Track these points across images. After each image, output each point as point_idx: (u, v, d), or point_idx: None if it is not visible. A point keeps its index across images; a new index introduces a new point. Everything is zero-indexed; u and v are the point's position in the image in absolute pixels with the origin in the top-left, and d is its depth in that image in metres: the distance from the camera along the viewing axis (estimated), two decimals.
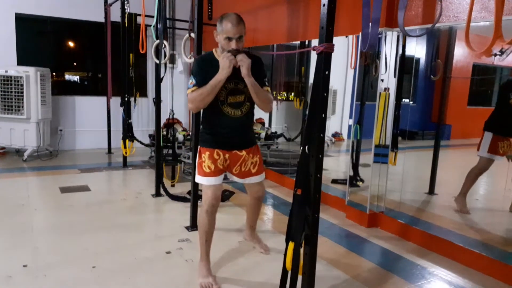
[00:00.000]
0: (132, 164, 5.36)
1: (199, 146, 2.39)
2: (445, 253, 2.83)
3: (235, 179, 2.49)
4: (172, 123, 4.65)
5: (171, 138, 4.60)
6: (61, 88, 6.24)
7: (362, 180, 4.09)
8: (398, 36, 3.22)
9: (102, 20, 5.81)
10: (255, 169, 2.44)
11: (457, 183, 3.64)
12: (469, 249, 2.72)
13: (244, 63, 2.08)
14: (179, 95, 6.44)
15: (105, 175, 4.87)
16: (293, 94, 6.04)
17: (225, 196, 3.83)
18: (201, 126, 2.41)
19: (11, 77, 5.20)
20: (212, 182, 2.30)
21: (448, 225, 3.41)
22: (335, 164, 5.87)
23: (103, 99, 6.08)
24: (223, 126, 2.30)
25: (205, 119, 2.36)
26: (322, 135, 1.76)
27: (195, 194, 3.10)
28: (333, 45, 1.69)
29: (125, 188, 4.43)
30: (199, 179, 2.36)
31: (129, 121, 5.05)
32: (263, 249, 2.78)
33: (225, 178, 2.47)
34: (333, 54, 1.71)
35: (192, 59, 3.10)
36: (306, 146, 1.78)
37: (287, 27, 4.33)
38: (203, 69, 2.21)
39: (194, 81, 2.20)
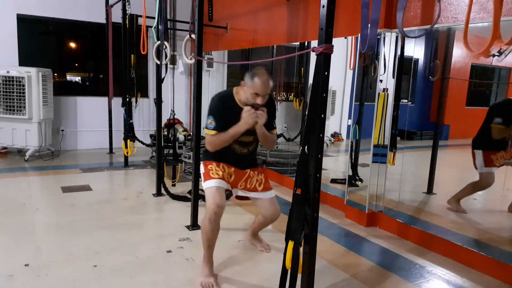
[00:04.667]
0: (133, 164, 5.38)
1: (202, 162, 2.47)
2: (444, 252, 2.85)
3: (241, 192, 2.52)
4: (173, 123, 4.67)
5: (172, 138, 4.62)
6: (62, 89, 6.26)
7: (361, 180, 4.11)
8: (396, 37, 3.24)
9: (104, 21, 5.83)
10: (261, 186, 2.51)
11: (456, 183, 3.66)
12: (468, 248, 2.74)
13: (261, 120, 2.23)
14: (179, 95, 6.50)
15: (107, 175, 4.90)
16: (292, 94, 6.07)
17: (225, 196, 3.84)
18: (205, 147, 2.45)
19: (13, 77, 5.22)
20: (215, 184, 2.34)
21: (447, 225, 3.43)
22: (334, 164, 5.89)
23: (104, 100, 6.10)
24: (227, 157, 2.42)
25: None
26: (321, 135, 1.78)
27: (195, 194, 3.12)
28: (333, 46, 1.70)
29: (126, 188, 4.45)
30: (206, 184, 2.38)
31: (130, 121, 5.08)
32: (264, 248, 2.81)
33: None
34: (332, 55, 1.72)
35: (193, 60, 3.12)
36: (306, 146, 1.80)
37: (287, 28, 4.35)
38: (223, 112, 2.30)
39: (214, 124, 2.29)
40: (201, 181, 2.48)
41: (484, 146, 3.44)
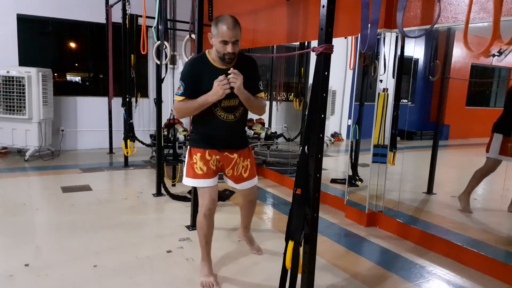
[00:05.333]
0: (133, 164, 5.38)
1: (189, 147, 2.35)
2: (444, 252, 2.85)
3: (229, 182, 2.46)
4: (173, 123, 4.68)
5: (172, 138, 4.62)
6: (62, 89, 6.26)
7: (361, 180, 4.11)
8: (396, 37, 3.24)
9: (104, 21, 5.84)
10: (247, 173, 2.41)
11: (456, 183, 3.66)
12: (468, 248, 2.74)
13: (235, 84, 2.07)
14: None
15: (107, 175, 4.90)
16: (292, 94, 6.07)
17: (225, 196, 3.85)
18: (191, 127, 2.39)
19: (13, 77, 5.22)
20: (206, 184, 2.26)
21: (447, 225, 3.43)
22: (335, 164, 5.89)
23: (104, 100, 6.10)
24: (214, 128, 2.26)
25: (196, 120, 2.32)
26: (321, 135, 1.78)
27: (195, 194, 3.12)
28: (333, 46, 1.71)
29: (126, 188, 4.45)
30: (189, 181, 2.30)
31: (130, 121, 5.07)
32: (255, 250, 2.76)
33: (221, 178, 2.47)
34: (332, 55, 1.73)
35: None
36: (306, 146, 1.80)
37: (287, 28, 4.36)
38: (192, 76, 2.17)
39: (182, 89, 2.17)
40: (183, 174, 2.35)
41: (505, 130, 3.31)
